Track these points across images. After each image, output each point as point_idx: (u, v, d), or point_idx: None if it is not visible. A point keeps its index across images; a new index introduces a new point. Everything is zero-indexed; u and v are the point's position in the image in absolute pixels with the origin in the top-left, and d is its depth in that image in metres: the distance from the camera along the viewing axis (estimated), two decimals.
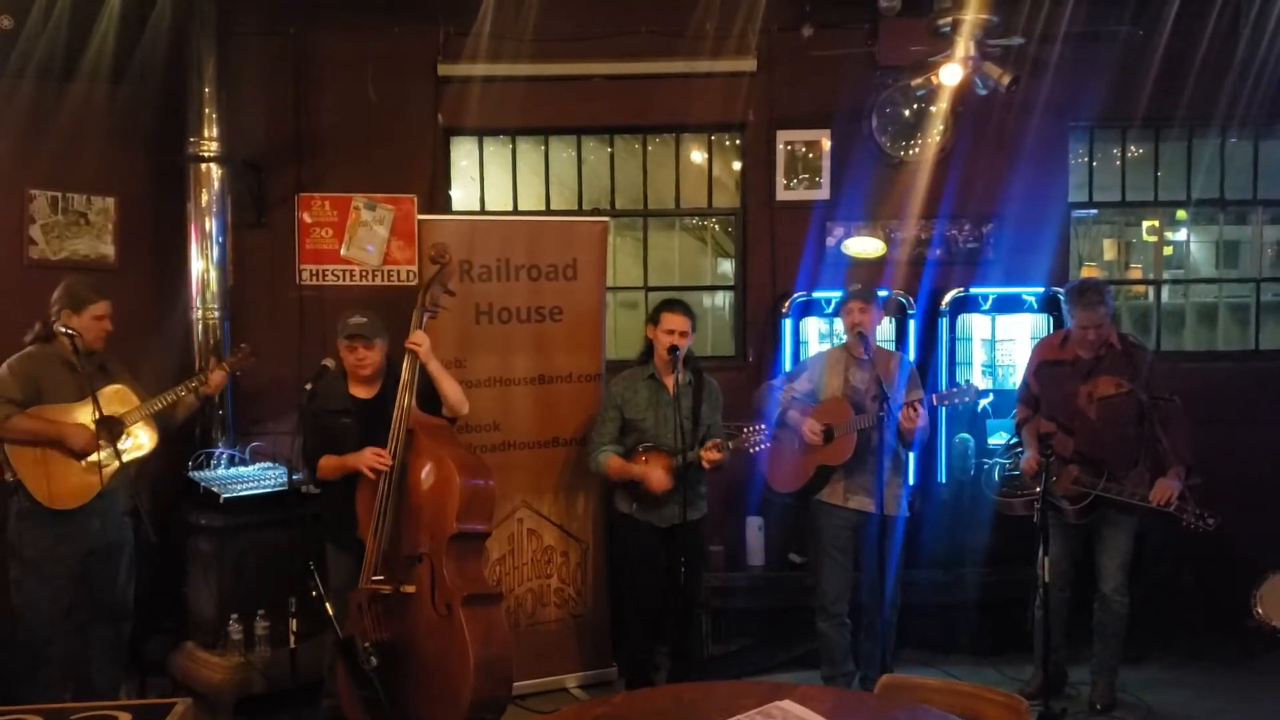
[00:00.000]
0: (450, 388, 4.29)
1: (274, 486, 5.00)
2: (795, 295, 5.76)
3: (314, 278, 5.89)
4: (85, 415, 4.24)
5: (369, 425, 4.22)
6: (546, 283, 5.20)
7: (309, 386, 4.10)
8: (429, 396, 4.26)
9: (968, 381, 5.00)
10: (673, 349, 4.57)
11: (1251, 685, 5.17)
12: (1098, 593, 4.77)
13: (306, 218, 5.88)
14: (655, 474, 4.57)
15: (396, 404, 4.13)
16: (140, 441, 4.38)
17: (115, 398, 4.34)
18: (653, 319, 4.74)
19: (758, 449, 4.62)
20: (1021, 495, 4.86)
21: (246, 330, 5.67)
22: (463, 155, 6.21)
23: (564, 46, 5.81)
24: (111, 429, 4.24)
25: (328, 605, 3.99)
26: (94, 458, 4.22)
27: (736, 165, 6.24)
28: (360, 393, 4.35)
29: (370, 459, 4.08)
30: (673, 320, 4.62)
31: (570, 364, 5.24)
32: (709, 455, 4.52)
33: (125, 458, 4.23)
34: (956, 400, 4.63)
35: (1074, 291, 4.74)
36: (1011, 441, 5.17)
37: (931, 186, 5.91)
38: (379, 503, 4.06)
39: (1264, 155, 6.23)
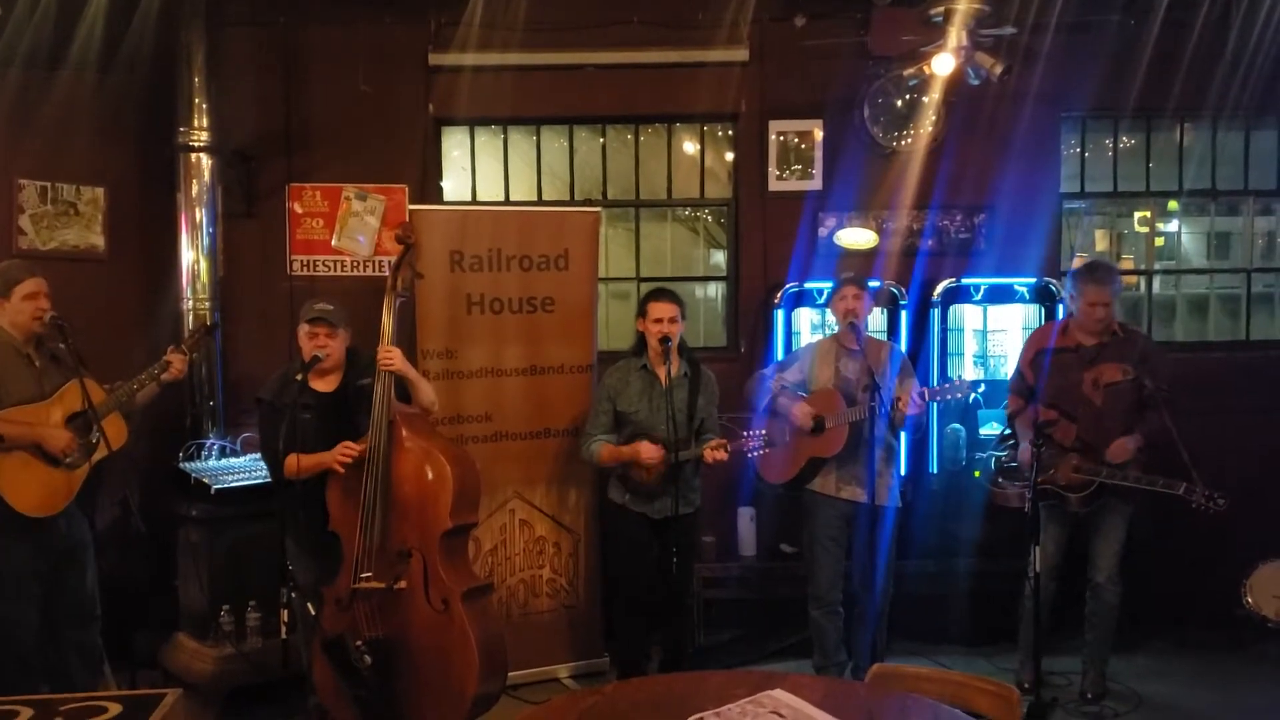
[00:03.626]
0: (425, 391, 4.22)
1: (265, 477, 4.94)
2: (787, 286, 5.77)
3: (305, 268, 5.87)
4: (55, 413, 4.04)
5: (329, 420, 4.13)
6: (538, 273, 5.19)
7: (300, 377, 4.03)
8: (399, 392, 4.15)
9: (959, 376, 5.01)
10: (664, 339, 4.55)
11: (1241, 674, 5.20)
12: (1090, 582, 4.78)
13: (297, 208, 5.86)
14: (645, 447, 4.55)
15: (375, 400, 4.01)
16: (111, 435, 4.06)
17: (79, 391, 4.05)
18: (640, 312, 4.71)
19: (754, 454, 4.63)
20: (1019, 486, 4.85)
21: (237, 321, 5.67)
22: (454, 145, 6.19)
23: (555, 36, 5.79)
24: (80, 426, 4.05)
25: (310, 606, 3.96)
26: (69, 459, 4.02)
27: (729, 156, 6.24)
28: (320, 386, 4.22)
29: (342, 455, 4.00)
30: (660, 308, 4.58)
31: (562, 355, 5.23)
32: (714, 455, 4.48)
33: (97, 456, 4.05)
34: (948, 396, 4.62)
35: (1086, 268, 4.73)
36: (1005, 433, 5.17)
37: (923, 177, 5.91)
38: (366, 498, 3.97)
39: (1255, 146, 6.25)
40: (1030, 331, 5.35)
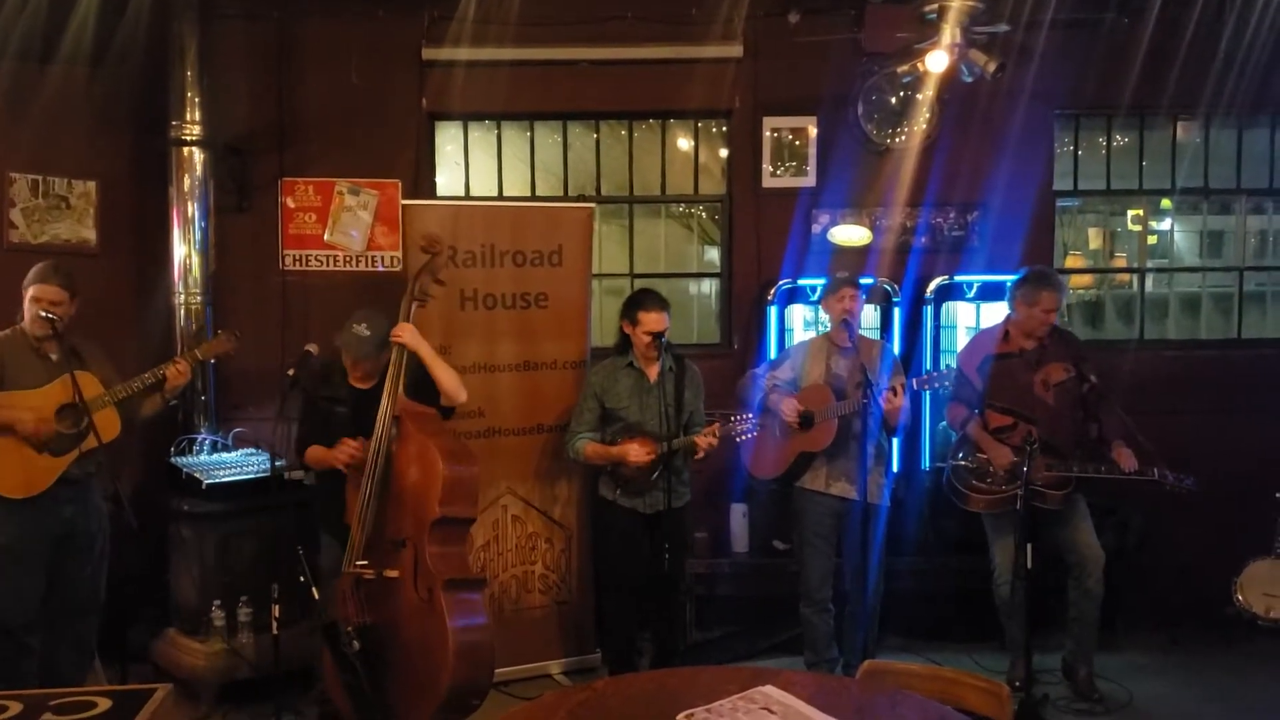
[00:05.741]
0: (445, 375, 4.26)
1: (257, 472, 4.98)
2: (781, 283, 5.77)
3: (297, 263, 5.85)
4: (46, 401, 4.08)
5: (362, 415, 4.21)
6: (532, 269, 5.18)
7: (291, 373, 4.10)
8: (427, 385, 4.23)
9: (948, 366, 5.00)
10: (658, 335, 4.56)
11: (1232, 672, 5.20)
12: (1081, 571, 4.74)
13: (290, 202, 5.84)
14: (632, 448, 4.57)
15: (384, 392, 4.11)
16: (102, 428, 4.10)
17: (80, 384, 4.08)
18: (629, 318, 4.68)
19: (744, 438, 4.63)
20: (996, 492, 4.80)
21: (229, 316, 5.65)
22: (447, 140, 6.18)
23: (549, 31, 5.78)
24: (73, 416, 4.10)
25: (314, 590, 3.99)
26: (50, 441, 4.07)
27: (723, 152, 6.23)
28: (360, 384, 4.37)
29: (343, 453, 4.11)
30: (652, 320, 4.58)
31: (555, 351, 5.22)
32: (706, 440, 4.50)
33: (87, 445, 4.11)
34: (937, 384, 4.65)
35: (1041, 277, 4.76)
36: (953, 440, 5.12)
37: (917, 174, 5.91)
38: (364, 488, 4.05)
39: (1248, 144, 6.26)
40: (971, 339, 5.29)
